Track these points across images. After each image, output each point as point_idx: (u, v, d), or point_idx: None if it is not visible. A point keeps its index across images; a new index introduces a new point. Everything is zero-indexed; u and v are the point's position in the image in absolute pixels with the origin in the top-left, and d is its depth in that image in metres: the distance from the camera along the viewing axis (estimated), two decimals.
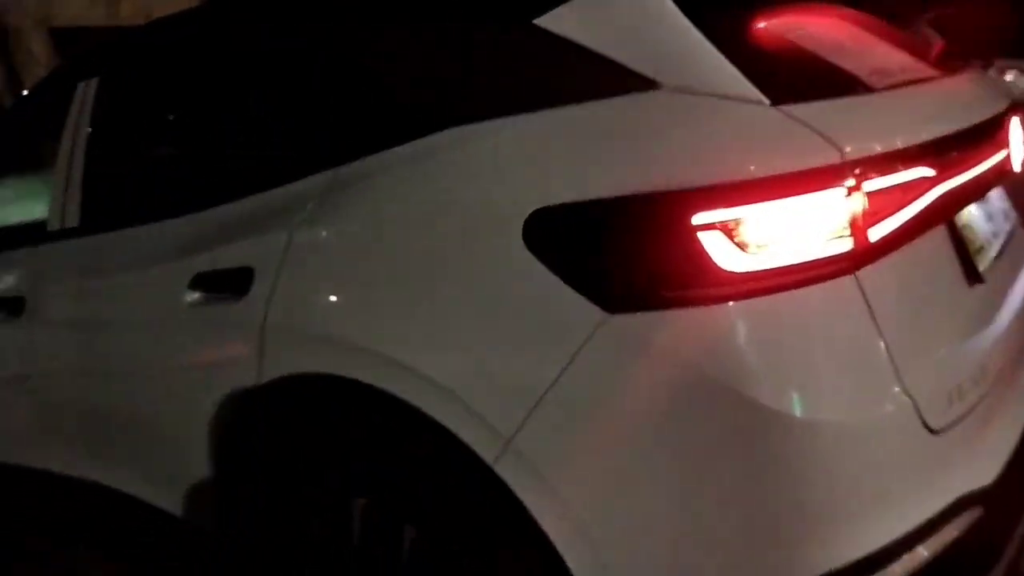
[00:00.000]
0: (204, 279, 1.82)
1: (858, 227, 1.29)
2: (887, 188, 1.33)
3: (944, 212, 1.51)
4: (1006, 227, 1.88)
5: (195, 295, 1.83)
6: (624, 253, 1.30)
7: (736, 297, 1.25)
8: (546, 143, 1.44)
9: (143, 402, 2.03)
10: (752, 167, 1.27)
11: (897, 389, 1.31)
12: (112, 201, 2.24)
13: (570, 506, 1.36)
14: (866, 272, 1.32)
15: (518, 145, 1.47)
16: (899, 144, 1.37)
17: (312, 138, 1.80)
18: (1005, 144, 1.74)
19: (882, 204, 1.33)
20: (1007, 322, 1.64)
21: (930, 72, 1.71)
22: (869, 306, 1.31)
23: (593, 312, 1.30)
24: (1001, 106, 1.77)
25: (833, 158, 1.27)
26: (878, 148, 1.33)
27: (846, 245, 1.28)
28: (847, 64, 1.52)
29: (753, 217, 1.25)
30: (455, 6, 1.73)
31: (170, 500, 2.07)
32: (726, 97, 1.35)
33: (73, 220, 2.28)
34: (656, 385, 1.29)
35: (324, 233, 1.64)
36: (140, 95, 2.29)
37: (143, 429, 2.08)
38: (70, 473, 2.38)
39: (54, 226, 2.33)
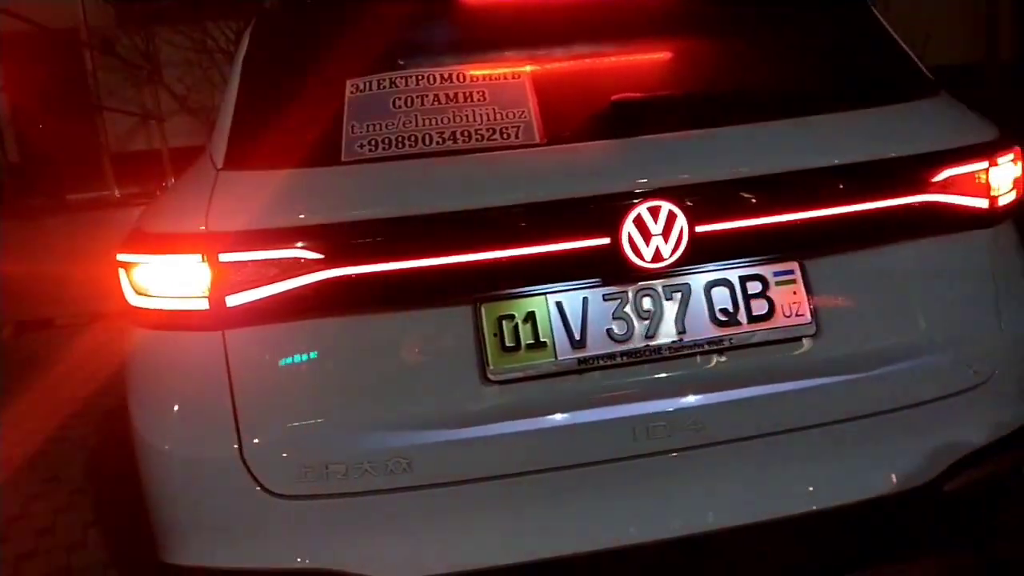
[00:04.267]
0: None
1: (213, 293, 1.44)
2: (255, 263, 1.42)
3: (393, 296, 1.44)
4: (700, 335, 1.50)
5: None
6: None
7: (134, 324, 1.56)
8: None
9: None
10: (151, 222, 1.53)
11: (234, 446, 1.45)
12: None
13: None
14: (239, 334, 1.46)
15: None
16: (278, 223, 1.42)
17: None
18: (605, 230, 1.44)
19: (250, 277, 1.43)
20: (493, 436, 1.45)
21: (534, 140, 1.49)
22: (228, 366, 1.46)
23: None
24: (615, 186, 1.45)
25: (199, 227, 1.44)
26: (248, 224, 1.42)
27: (202, 305, 1.46)
28: (364, 129, 1.51)
29: (141, 264, 1.51)
30: None
31: None
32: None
33: None
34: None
35: None
36: None
37: None
38: None
39: None
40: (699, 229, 1.46)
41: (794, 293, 1.55)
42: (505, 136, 1.51)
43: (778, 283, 1.55)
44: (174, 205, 1.56)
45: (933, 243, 1.62)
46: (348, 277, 1.42)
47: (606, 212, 1.44)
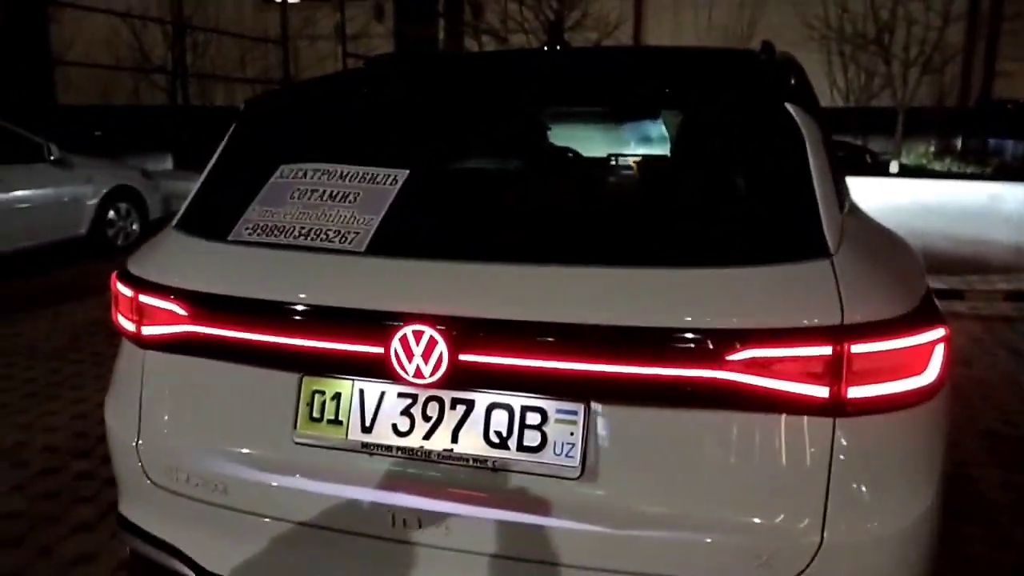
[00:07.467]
0: None
1: (137, 323, 1.91)
2: (153, 307, 1.86)
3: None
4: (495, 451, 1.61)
5: None
6: None
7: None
8: None
9: None
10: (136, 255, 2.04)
11: (136, 439, 1.93)
12: None
13: None
14: (150, 356, 1.92)
15: None
16: (167, 281, 1.83)
17: None
18: (379, 341, 1.61)
19: (154, 316, 1.87)
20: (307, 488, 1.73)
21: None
22: (142, 379, 1.93)
23: None
24: (389, 305, 1.61)
25: (139, 272, 1.92)
26: (156, 277, 1.86)
27: (133, 328, 1.93)
28: (258, 215, 1.84)
29: (118, 294, 2.02)
30: None
31: None
32: None
33: None
34: None
35: None
36: None
37: None
38: None
39: None
40: (463, 357, 1.57)
41: (571, 434, 1.57)
42: (343, 240, 1.74)
43: (558, 420, 1.58)
44: (148, 247, 2.05)
45: (745, 420, 1.51)
46: (204, 334, 1.79)
47: (383, 327, 1.61)
